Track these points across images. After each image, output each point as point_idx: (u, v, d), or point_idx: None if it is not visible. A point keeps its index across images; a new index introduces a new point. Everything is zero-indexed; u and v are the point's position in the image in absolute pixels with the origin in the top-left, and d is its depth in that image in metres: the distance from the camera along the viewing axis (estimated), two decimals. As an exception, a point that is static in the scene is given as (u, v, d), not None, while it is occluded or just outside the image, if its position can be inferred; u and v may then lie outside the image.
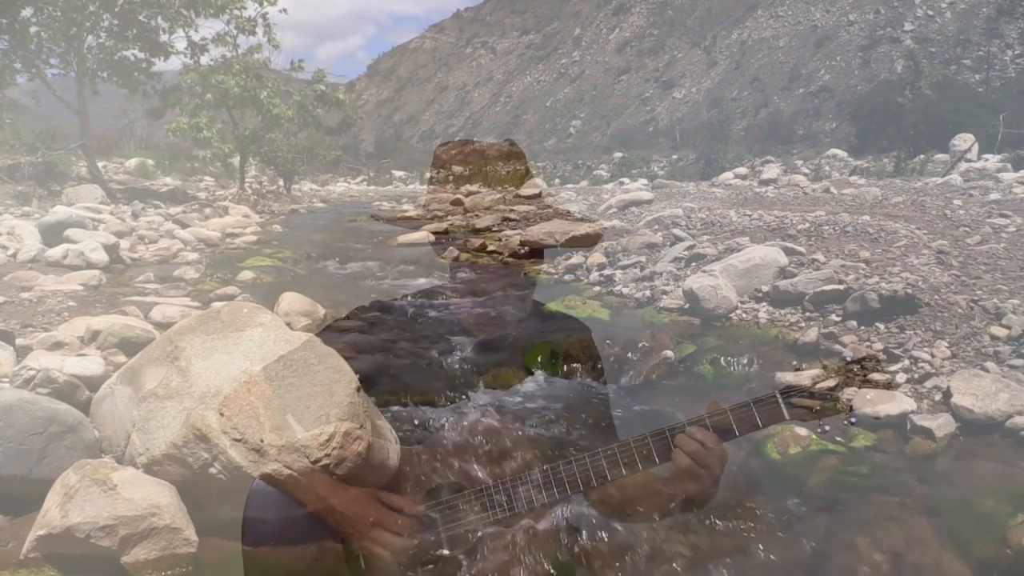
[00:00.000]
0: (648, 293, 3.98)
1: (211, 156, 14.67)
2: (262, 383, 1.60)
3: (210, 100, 14.59)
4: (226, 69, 14.74)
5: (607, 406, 2.49)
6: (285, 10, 15.56)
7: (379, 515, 1.28)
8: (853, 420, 1.26)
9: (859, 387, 1.26)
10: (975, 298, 3.02)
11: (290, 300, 3.64)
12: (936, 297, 3.07)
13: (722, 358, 2.93)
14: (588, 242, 5.40)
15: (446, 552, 1.28)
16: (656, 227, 5.64)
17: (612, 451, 1.27)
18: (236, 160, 16.30)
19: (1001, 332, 2.69)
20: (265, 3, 14.98)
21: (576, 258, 5.12)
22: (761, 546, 1.69)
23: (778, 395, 1.24)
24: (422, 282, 4.95)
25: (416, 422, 2.01)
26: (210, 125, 14.27)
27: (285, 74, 17.31)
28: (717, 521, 1.64)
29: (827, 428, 1.25)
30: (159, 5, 12.74)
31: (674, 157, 27.75)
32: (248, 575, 1.33)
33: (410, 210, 11.90)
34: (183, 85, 14.67)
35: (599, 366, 2.66)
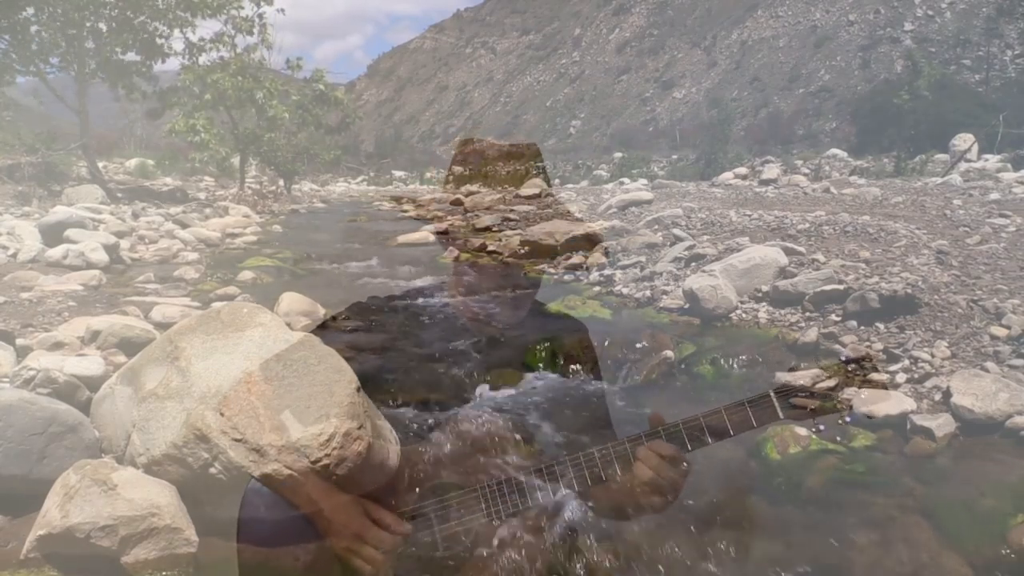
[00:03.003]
0: (648, 293, 3.98)
1: (207, 158, 14.62)
2: (262, 383, 1.60)
3: (208, 101, 14.56)
4: (222, 69, 14.72)
5: (606, 405, 2.49)
6: (282, 10, 15.54)
7: (362, 528, 1.27)
8: (848, 419, 1.26)
9: (858, 387, 1.26)
10: (975, 298, 3.02)
11: (290, 300, 3.64)
12: (936, 297, 3.07)
13: (722, 358, 2.93)
14: (588, 243, 5.40)
15: (440, 552, 1.28)
16: (656, 227, 5.64)
17: (607, 450, 1.27)
18: (236, 160, 16.29)
19: (1001, 332, 2.69)
20: (262, 3, 14.98)
21: (576, 258, 5.12)
22: (761, 546, 1.69)
23: (772, 394, 1.23)
24: (422, 282, 4.95)
25: (416, 422, 2.01)
26: (207, 127, 14.22)
27: (283, 74, 17.30)
28: (717, 521, 1.64)
29: (823, 427, 1.25)
30: (153, 9, 12.73)
31: (674, 157, 27.75)
32: (243, 574, 1.33)
33: (410, 210, 11.90)
34: (180, 86, 14.64)
35: (598, 365, 2.66)
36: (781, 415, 1.23)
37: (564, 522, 1.41)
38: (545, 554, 1.36)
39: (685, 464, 1.25)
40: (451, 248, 6.12)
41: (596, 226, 5.78)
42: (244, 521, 1.37)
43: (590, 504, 1.41)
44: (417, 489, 1.38)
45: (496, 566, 1.31)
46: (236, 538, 1.33)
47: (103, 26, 12.62)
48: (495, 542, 1.32)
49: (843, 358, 1.29)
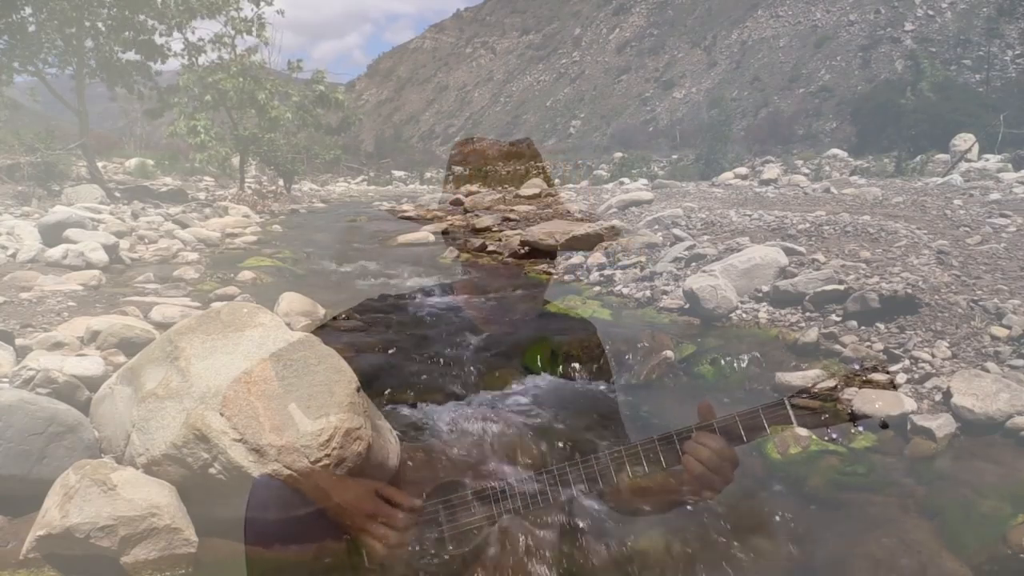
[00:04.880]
0: (648, 293, 3.98)
1: (208, 158, 14.61)
2: (262, 383, 1.60)
3: (209, 102, 14.55)
4: (223, 70, 14.71)
5: (608, 406, 2.49)
6: (282, 11, 15.55)
7: (376, 508, 1.28)
8: (861, 428, 1.26)
9: (860, 387, 1.25)
10: (975, 298, 3.02)
11: (290, 300, 3.64)
12: (936, 297, 3.07)
13: (722, 358, 2.93)
14: (589, 243, 5.39)
15: (448, 551, 1.27)
16: (656, 227, 5.64)
17: (618, 453, 1.26)
18: (236, 160, 16.29)
19: (1001, 332, 2.69)
20: (262, 3, 14.98)
21: (576, 258, 5.12)
22: (761, 546, 1.68)
23: (787, 401, 1.23)
24: (421, 282, 4.95)
25: (416, 422, 2.00)
26: (208, 128, 14.20)
27: (284, 75, 17.30)
28: (717, 522, 1.64)
29: (836, 436, 1.25)
30: (152, 8, 12.73)
31: (674, 157, 27.71)
32: (250, 571, 1.33)
33: (410, 210, 11.90)
34: (180, 86, 14.63)
35: (602, 365, 2.66)
36: (795, 422, 1.22)
37: (570, 522, 1.41)
38: (555, 553, 1.36)
39: (734, 457, 1.24)
40: (451, 248, 6.12)
41: (596, 226, 5.77)
42: (251, 517, 1.37)
43: (609, 503, 1.41)
44: (422, 489, 1.38)
45: (505, 565, 1.31)
46: (244, 533, 1.33)
47: (101, 25, 12.62)
48: (504, 541, 1.32)
49: (856, 367, 1.29)
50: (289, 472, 1.44)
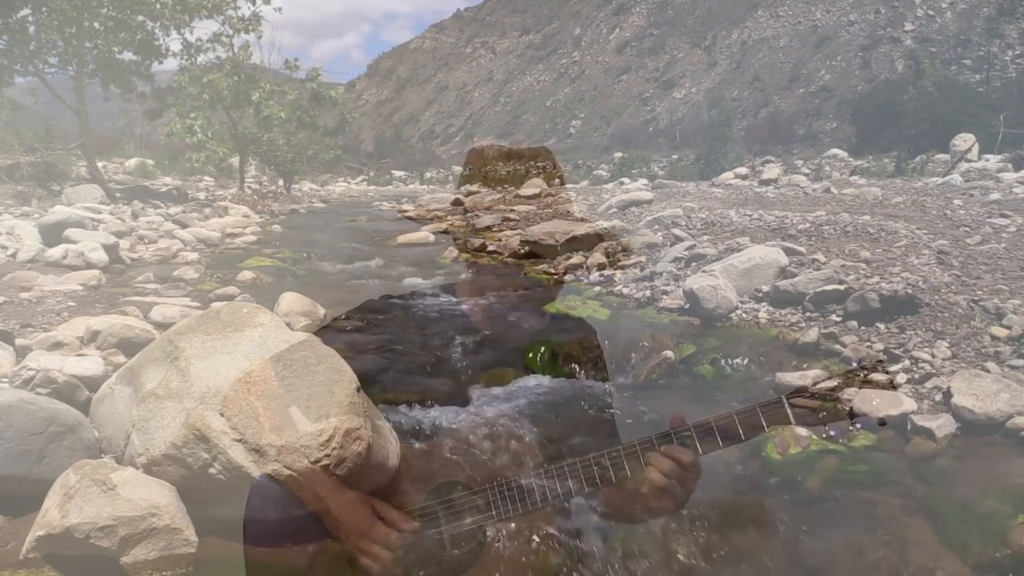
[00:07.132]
0: (648, 293, 3.98)
1: (205, 158, 14.58)
2: (262, 383, 1.59)
3: (206, 100, 14.54)
4: (218, 69, 14.71)
5: (608, 406, 2.49)
6: (280, 8, 15.54)
7: (371, 527, 1.27)
8: (859, 425, 1.26)
9: (859, 387, 1.25)
10: (975, 298, 3.02)
11: (290, 300, 3.64)
12: (936, 297, 3.07)
13: (722, 358, 2.93)
14: (588, 242, 5.39)
15: (447, 551, 1.27)
16: (656, 227, 5.64)
17: (616, 452, 1.26)
18: (235, 160, 16.28)
19: (1002, 332, 2.69)
20: (259, 1, 14.98)
21: (576, 258, 5.12)
22: (761, 547, 1.68)
23: (784, 400, 1.23)
24: (422, 282, 4.94)
25: (416, 422, 2.00)
26: (205, 127, 14.18)
27: (281, 73, 17.31)
28: (718, 522, 1.64)
29: (832, 433, 1.25)
30: (151, 9, 12.74)
31: (674, 157, 27.69)
32: (249, 572, 1.32)
33: (410, 210, 11.91)
34: (178, 86, 14.61)
35: (601, 366, 2.66)
36: (793, 421, 1.22)
37: (571, 523, 1.41)
38: (551, 555, 1.36)
39: (697, 470, 1.24)
40: (451, 248, 6.13)
41: (596, 226, 5.78)
42: (251, 518, 1.36)
43: (598, 506, 1.41)
44: (422, 489, 1.37)
45: (502, 566, 1.31)
46: (243, 534, 1.33)
47: (98, 25, 12.62)
48: (501, 542, 1.32)
49: (854, 364, 1.29)
50: (289, 472, 1.44)
